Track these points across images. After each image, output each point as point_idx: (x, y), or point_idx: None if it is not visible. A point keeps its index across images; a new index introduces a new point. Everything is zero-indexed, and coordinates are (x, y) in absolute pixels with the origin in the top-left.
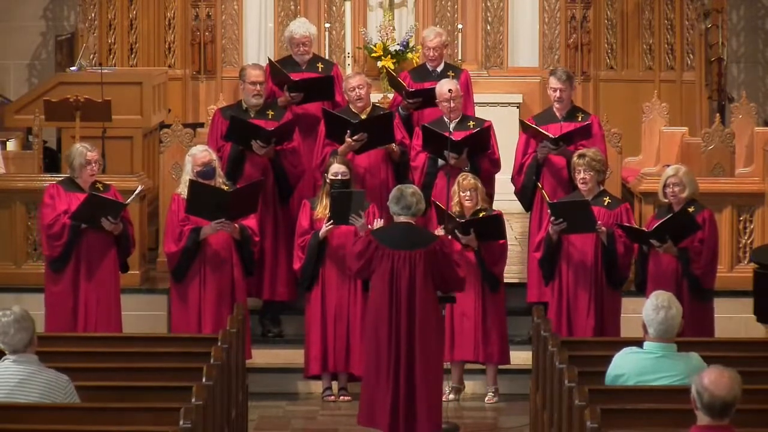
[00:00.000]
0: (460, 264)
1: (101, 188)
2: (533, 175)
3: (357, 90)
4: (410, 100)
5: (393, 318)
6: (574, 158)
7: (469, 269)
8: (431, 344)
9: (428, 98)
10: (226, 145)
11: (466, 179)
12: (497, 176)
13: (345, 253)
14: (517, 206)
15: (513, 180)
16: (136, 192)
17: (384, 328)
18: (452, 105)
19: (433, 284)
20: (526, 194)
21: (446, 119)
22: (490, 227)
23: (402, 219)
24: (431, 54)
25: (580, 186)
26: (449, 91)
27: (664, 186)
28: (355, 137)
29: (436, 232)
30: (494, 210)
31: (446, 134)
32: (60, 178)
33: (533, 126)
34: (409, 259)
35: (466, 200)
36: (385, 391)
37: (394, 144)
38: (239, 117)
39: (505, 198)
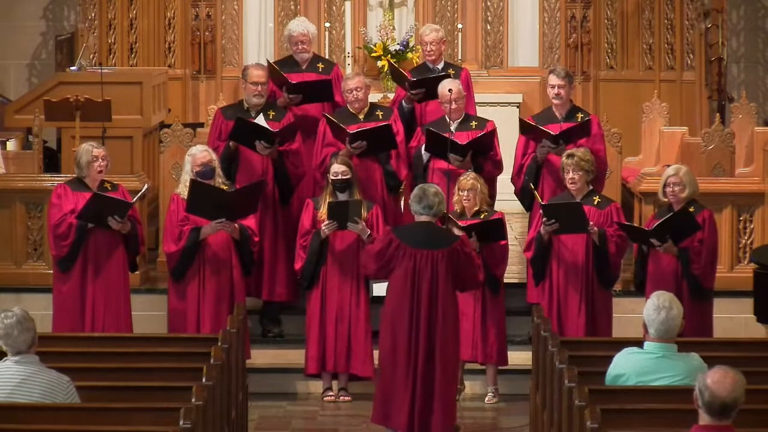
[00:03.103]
0: (479, 266)
1: (109, 187)
2: (532, 176)
3: (355, 92)
4: (413, 92)
5: (414, 317)
6: (563, 158)
7: None
8: (450, 344)
9: (431, 89)
10: (221, 146)
11: (465, 179)
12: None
13: (343, 251)
14: (517, 206)
15: (513, 181)
16: (142, 191)
17: (404, 326)
18: (454, 106)
19: (453, 283)
20: (526, 195)
21: (448, 119)
22: (491, 230)
23: (423, 218)
24: (428, 49)
25: (569, 186)
26: (449, 91)
27: (665, 185)
28: (353, 145)
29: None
30: (496, 212)
31: (448, 136)
32: (60, 178)
33: (532, 124)
34: (431, 258)
35: (464, 200)
36: (403, 390)
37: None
38: (244, 118)
39: (505, 198)
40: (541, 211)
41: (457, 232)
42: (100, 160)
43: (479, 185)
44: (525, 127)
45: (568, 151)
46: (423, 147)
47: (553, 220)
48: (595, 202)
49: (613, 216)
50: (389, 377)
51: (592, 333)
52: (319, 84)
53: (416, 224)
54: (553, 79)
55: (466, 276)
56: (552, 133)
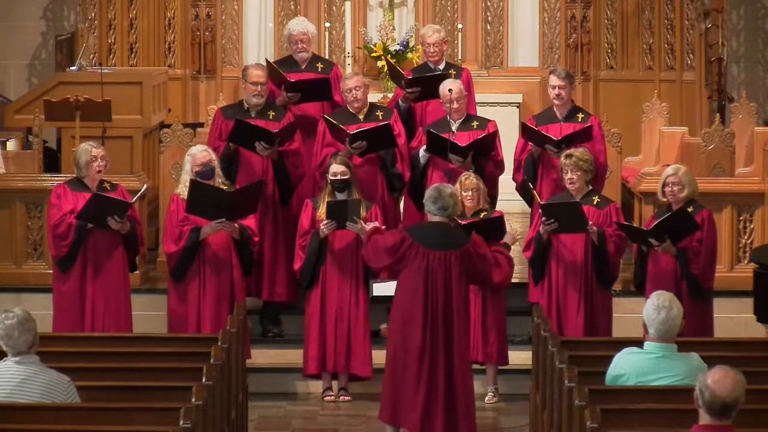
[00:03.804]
0: (497, 264)
1: (108, 187)
2: (531, 171)
3: (354, 91)
4: (409, 90)
5: (428, 318)
6: (562, 159)
7: None
8: (465, 344)
9: (427, 88)
10: (221, 146)
11: (468, 179)
12: None
13: (342, 250)
14: (518, 206)
15: (513, 177)
16: (142, 191)
17: (417, 327)
18: (455, 106)
19: (466, 282)
20: (526, 191)
21: (449, 119)
22: (492, 228)
23: (436, 219)
24: (431, 50)
25: (568, 186)
26: (449, 91)
27: (664, 185)
28: (354, 145)
29: None
30: (496, 211)
31: (449, 136)
32: (60, 178)
33: (535, 129)
34: (444, 259)
35: (468, 200)
36: (416, 392)
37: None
38: (243, 119)
39: (506, 198)
40: (540, 210)
41: None
42: (99, 160)
43: (481, 184)
44: (528, 132)
45: (567, 152)
46: (422, 148)
47: (552, 220)
48: (595, 202)
49: (612, 216)
50: (400, 377)
51: (591, 333)
52: (316, 82)
53: (429, 224)
54: (554, 80)
55: (478, 277)
56: (554, 138)
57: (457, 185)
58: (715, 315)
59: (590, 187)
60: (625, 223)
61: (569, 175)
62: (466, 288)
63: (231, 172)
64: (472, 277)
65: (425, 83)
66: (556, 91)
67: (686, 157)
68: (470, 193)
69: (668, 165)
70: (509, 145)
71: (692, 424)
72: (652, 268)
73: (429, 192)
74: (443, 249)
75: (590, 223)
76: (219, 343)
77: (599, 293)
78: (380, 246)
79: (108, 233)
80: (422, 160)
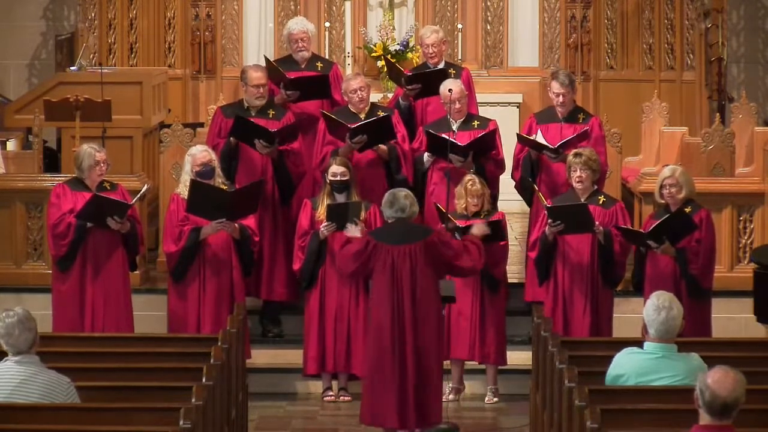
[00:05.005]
0: (466, 251)
1: (108, 187)
2: (529, 169)
3: (359, 92)
4: (409, 87)
5: (396, 313)
6: (570, 157)
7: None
8: (434, 337)
9: (428, 84)
10: (221, 143)
11: (474, 185)
12: None
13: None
14: (517, 206)
15: (512, 174)
16: (142, 192)
17: (387, 323)
18: (457, 106)
19: (436, 275)
20: (525, 188)
21: (450, 119)
22: (491, 230)
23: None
24: (430, 51)
25: (575, 185)
26: (450, 91)
27: (661, 187)
28: (354, 140)
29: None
30: (497, 212)
31: (450, 136)
32: (60, 178)
33: (529, 138)
34: (409, 252)
35: (473, 207)
36: (390, 387)
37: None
38: (243, 116)
39: (506, 198)
40: (545, 212)
41: (457, 234)
42: (102, 164)
43: (486, 190)
44: (523, 141)
45: (576, 150)
46: (425, 153)
47: (559, 222)
48: (600, 202)
49: (618, 215)
50: (375, 375)
51: (597, 333)
52: (315, 79)
53: (391, 224)
54: (556, 87)
55: (446, 265)
56: (551, 146)
57: (461, 188)
58: (715, 315)
59: (595, 187)
60: (623, 226)
61: (578, 173)
62: (435, 279)
63: (231, 170)
64: (440, 266)
65: (425, 79)
66: (560, 98)
67: (686, 157)
68: (476, 200)
69: (667, 165)
70: (510, 144)
71: (692, 424)
72: (650, 268)
73: (385, 198)
74: (407, 242)
75: (596, 223)
76: (219, 343)
77: (603, 294)
78: (347, 254)
79: (108, 233)
80: (426, 164)
